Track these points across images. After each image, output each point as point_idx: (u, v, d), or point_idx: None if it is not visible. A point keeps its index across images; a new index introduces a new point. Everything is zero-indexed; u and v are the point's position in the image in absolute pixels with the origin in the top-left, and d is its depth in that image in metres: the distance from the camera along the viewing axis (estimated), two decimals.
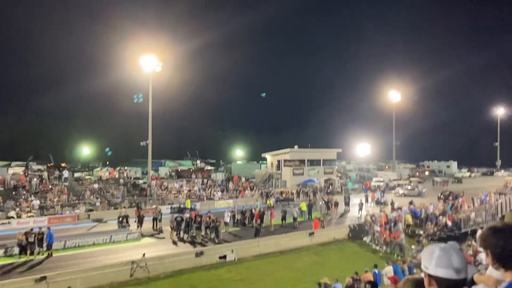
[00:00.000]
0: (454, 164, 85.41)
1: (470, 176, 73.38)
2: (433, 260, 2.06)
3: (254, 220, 30.49)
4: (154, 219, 30.41)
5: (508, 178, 58.75)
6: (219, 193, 45.19)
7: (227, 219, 30.14)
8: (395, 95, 59.22)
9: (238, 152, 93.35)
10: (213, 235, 26.71)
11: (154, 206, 34.53)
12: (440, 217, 28.63)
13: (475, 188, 46.18)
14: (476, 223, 27.25)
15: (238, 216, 32.01)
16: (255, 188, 49.08)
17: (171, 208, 38.32)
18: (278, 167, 57.37)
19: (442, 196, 40.13)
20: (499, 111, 73.06)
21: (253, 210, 32.02)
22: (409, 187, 50.07)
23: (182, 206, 38.78)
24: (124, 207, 36.88)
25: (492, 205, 30.89)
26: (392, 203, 35.69)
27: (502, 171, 76.28)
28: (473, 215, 28.68)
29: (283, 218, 32.09)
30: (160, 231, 29.65)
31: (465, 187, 49.73)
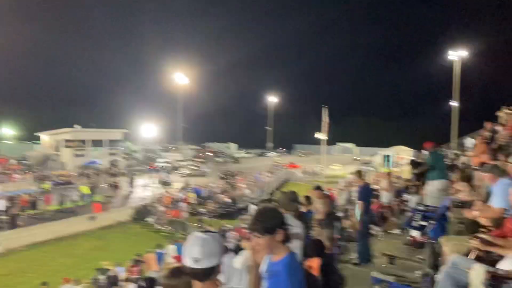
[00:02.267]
0: (233, 146, 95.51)
1: (246, 156, 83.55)
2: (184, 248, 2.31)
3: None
4: None
5: (276, 159, 69.75)
6: None
7: None
8: (181, 77, 61.80)
9: (6, 130, 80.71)
10: None
11: None
12: (221, 195, 32.12)
13: (250, 168, 53.08)
14: (250, 198, 31.76)
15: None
16: (28, 172, 44.18)
17: None
18: (57, 148, 52.83)
19: (223, 175, 44.71)
20: (271, 98, 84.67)
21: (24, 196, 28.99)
22: (193, 168, 53.68)
23: None
24: None
25: (263, 183, 36.57)
26: (176, 183, 37.78)
27: (273, 152, 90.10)
28: (247, 191, 33.34)
29: (61, 202, 30.21)
30: None
31: (242, 167, 56.50)
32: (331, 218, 9.06)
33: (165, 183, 42.79)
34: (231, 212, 29.30)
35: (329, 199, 9.41)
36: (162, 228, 26.80)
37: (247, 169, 52.14)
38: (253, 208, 23.78)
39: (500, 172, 5.72)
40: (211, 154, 73.53)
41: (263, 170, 45.97)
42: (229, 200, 31.29)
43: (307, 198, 9.60)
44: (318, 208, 8.67)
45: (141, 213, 28.78)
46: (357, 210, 9.00)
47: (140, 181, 41.99)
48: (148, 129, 64.22)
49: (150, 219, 28.29)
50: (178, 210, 27.82)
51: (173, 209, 27.93)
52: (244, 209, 28.15)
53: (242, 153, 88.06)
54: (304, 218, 5.90)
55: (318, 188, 9.50)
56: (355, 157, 79.01)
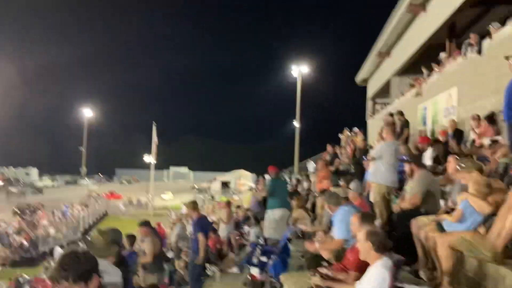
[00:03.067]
0: (34, 171, 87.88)
1: (52, 185, 77.55)
2: None
3: None
4: None
5: (92, 188, 66.38)
6: None
7: None
8: None
9: None
10: None
11: None
12: (16, 236, 29.06)
13: (57, 200, 49.42)
14: (55, 240, 29.44)
15: None
16: None
17: None
18: None
19: (18, 211, 40.54)
20: (87, 113, 77.66)
21: None
22: None
23: None
24: None
25: (74, 219, 34.34)
26: None
27: (87, 179, 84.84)
28: (52, 230, 30.86)
29: None
30: None
31: (46, 198, 52.24)
32: (160, 260, 8.98)
33: None
34: (29, 258, 26.73)
35: (158, 238, 9.30)
36: None
37: (53, 201, 48.40)
38: (59, 252, 22.11)
39: (338, 200, 6.41)
40: (1, 183, 66.37)
41: (74, 203, 43.27)
42: (27, 243, 28.49)
43: (130, 237, 9.32)
44: (145, 249, 8.49)
45: None
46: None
47: None
48: None
49: None
50: None
51: None
52: (48, 254, 26.16)
53: (46, 181, 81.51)
54: (126, 262, 5.66)
55: (145, 224, 9.32)
56: (192, 185, 79.71)
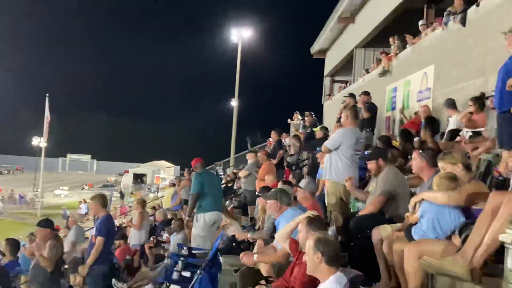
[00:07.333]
0: None
1: None
2: None
3: None
4: None
5: None
6: None
7: None
8: None
9: None
10: None
11: None
12: None
13: None
14: None
15: None
16: None
17: None
18: None
19: None
20: None
21: None
22: None
23: None
24: None
25: None
26: None
27: None
28: None
29: None
30: None
31: None
32: (59, 272, 8.76)
33: None
34: None
35: (60, 243, 9.09)
36: None
37: None
38: None
39: (287, 199, 6.45)
40: None
41: None
42: None
43: (12, 243, 9.07)
44: (46, 255, 8.25)
45: None
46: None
47: None
48: None
49: None
50: None
51: None
52: None
53: None
54: (6, 274, 5.51)
55: (47, 224, 9.06)
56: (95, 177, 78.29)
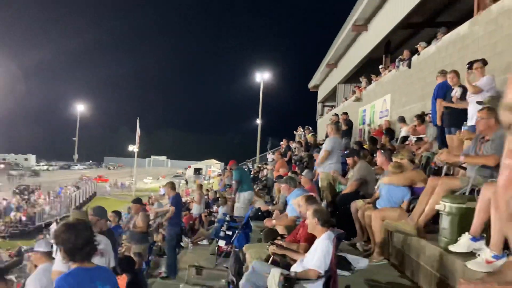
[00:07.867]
0: (32, 157, 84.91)
1: (48, 169, 75.06)
2: None
3: None
4: None
5: (84, 172, 64.74)
6: None
7: None
8: None
9: None
10: None
11: None
12: (14, 213, 28.05)
13: (52, 182, 47.92)
14: (51, 216, 28.58)
15: None
16: None
17: None
18: None
19: (17, 191, 39.18)
20: (79, 107, 77.86)
21: None
22: None
23: None
24: None
25: (67, 198, 33.38)
26: None
27: (79, 165, 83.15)
28: (48, 208, 29.93)
29: None
30: None
31: (42, 181, 50.59)
32: (147, 232, 8.86)
33: None
34: (26, 231, 25.80)
35: (148, 213, 9.18)
36: None
37: (49, 183, 46.90)
38: (54, 227, 21.47)
39: (294, 183, 6.47)
40: (3, 166, 63.84)
41: (67, 184, 42.06)
42: (25, 218, 27.53)
43: (116, 213, 9.16)
44: (140, 220, 8.35)
45: None
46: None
47: None
48: None
49: None
50: None
51: None
52: (45, 228, 25.33)
53: (41, 165, 78.71)
54: (112, 234, 5.56)
55: (138, 201, 9.18)
56: (170, 171, 78.65)
